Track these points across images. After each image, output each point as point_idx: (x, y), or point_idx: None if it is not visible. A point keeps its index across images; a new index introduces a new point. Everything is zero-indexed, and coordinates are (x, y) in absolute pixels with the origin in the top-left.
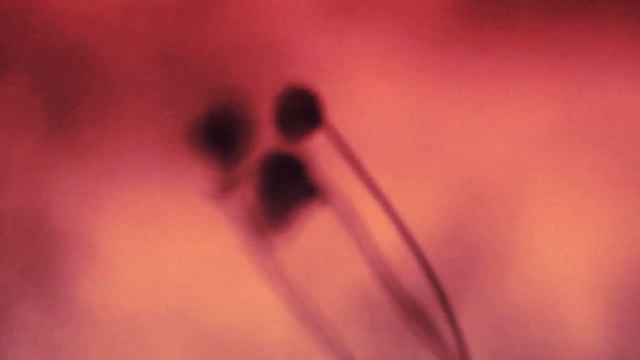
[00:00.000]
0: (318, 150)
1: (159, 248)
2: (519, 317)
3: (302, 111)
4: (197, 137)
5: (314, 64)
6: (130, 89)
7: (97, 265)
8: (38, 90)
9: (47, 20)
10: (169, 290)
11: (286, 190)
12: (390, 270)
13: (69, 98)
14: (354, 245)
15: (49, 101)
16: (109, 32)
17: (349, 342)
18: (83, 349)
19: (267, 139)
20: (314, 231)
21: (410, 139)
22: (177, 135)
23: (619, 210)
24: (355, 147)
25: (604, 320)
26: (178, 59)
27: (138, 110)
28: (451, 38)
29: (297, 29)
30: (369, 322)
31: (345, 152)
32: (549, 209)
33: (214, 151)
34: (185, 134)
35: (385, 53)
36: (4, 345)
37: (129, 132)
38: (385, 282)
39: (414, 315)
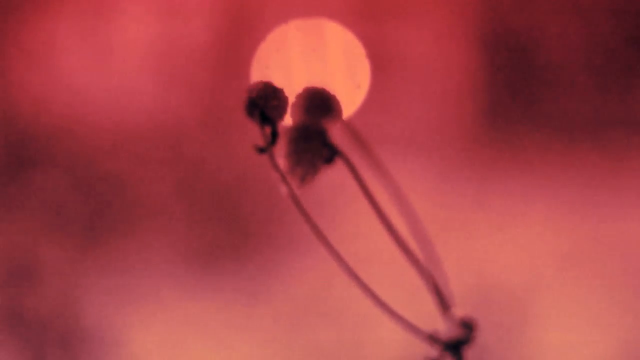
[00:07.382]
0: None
1: (184, 349)
2: None
3: (321, 103)
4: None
5: (330, 191)
6: (154, 211)
7: None
8: (76, 201)
9: (78, 146)
10: None
11: (311, 148)
12: None
13: (101, 212)
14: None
15: (84, 213)
16: (132, 159)
17: None
18: None
19: None
20: None
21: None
22: (198, 250)
23: (620, 328)
24: (368, 261)
25: None
26: (196, 184)
27: (162, 228)
28: (467, 166)
29: None
30: None
31: (359, 144)
32: (557, 320)
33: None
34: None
35: (403, 180)
36: None
37: (155, 245)
38: None
39: None
